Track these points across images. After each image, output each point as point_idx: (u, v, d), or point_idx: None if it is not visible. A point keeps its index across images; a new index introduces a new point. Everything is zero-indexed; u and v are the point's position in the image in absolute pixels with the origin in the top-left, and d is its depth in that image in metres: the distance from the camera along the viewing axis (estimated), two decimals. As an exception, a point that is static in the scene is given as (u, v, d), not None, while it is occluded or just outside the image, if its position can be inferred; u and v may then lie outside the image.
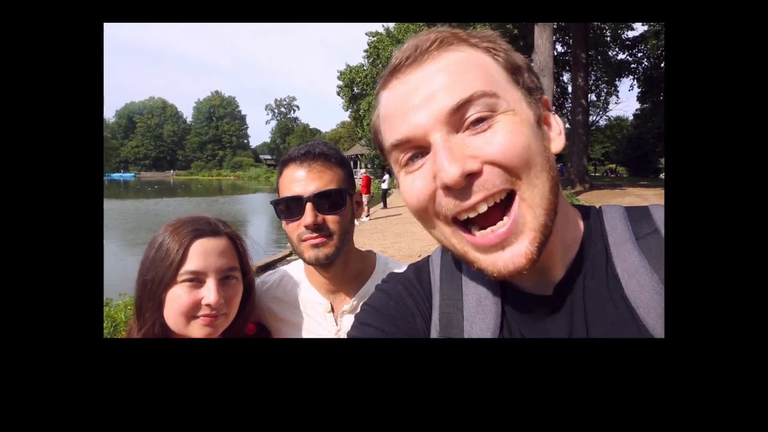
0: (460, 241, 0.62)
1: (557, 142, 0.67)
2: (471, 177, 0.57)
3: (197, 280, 1.11)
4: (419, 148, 0.61)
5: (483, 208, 0.59)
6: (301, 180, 1.25)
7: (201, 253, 1.12)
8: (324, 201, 1.24)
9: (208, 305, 1.10)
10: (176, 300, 1.10)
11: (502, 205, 0.60)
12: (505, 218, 0.59)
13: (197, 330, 1.11)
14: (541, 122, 0.64)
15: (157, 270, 1.11)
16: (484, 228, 0.60)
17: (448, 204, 0.59)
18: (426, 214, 0.63)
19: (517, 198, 0.59)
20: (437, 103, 0.58)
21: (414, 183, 0.62)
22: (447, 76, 0.59)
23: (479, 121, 0.59)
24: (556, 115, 0.69)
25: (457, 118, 0.59)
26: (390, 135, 0.63)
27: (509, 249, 0.59)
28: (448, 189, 0.58)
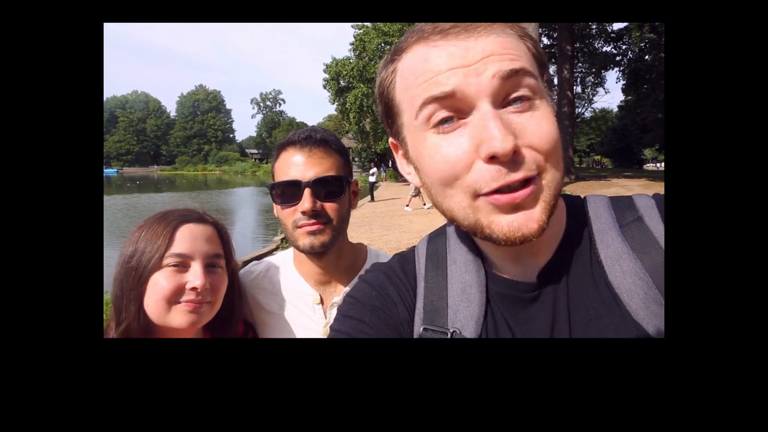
0: (476, 208, 0.60)
1: None
2: (514, 153, 0.57)
3: (182, 264, 1.08)
4: (456, 111, 0.59)
5: (516, 186, 0.58)
6: (300, 164, 1.21)
7: (188, 237, 1.09)
8: (323, 187, 1.20)
9: (193, 289, 1.06)
10: (159, 284, 1.05)
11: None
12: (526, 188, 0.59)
13: (180, 317, 1.06)
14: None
15: (142, 256, 1.07)
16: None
17: (490, 176, 0.57)
18: (454, 182, 0.60)
19: (538, 177, 0.59)
20: (491, 68, 0.57)
21: (449, 149, 0.59)
22: (501, 48, 0.59)
23: (519, 100, 0.59)
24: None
25: (504, 91, 0.58)
26: (429, 89, 0.60)
27: (524, 212, 0.59)
28: (493, 160, 0.57)
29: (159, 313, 1.07)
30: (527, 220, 0.59)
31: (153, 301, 1.06)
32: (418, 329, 0.70)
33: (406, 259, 0.81)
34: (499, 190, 0.58)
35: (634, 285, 0.62)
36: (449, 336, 0.67)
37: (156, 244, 1.07)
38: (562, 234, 0.70)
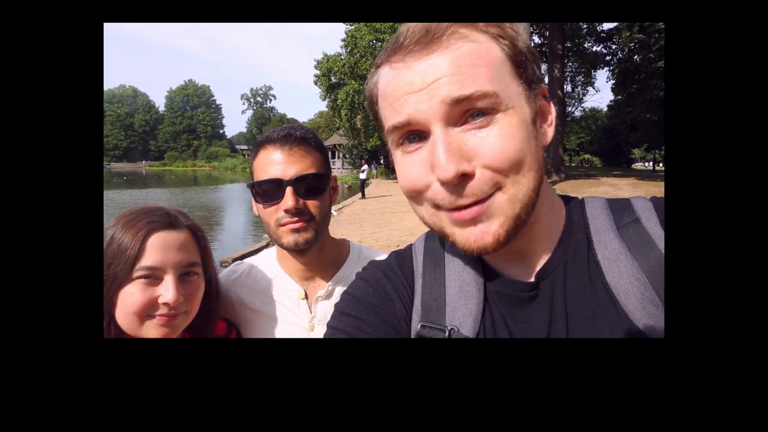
0: (440, 218, 0.64)
1: (548, 134, 0.68)
2: (464, 177, 0.59)
3: (154, 276, 1.02)
4: (418, 132, 0.62)
5: (473, 206, 0.61)
6: (280, 162, 1.21)
7: (159, 247, 1.02)
8: (304, 185, 1.21)
9: (165, 304, 1.01)
10: (129, 299, 0.99)
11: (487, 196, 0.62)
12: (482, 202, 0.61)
13: (153, 330, 1.02)
14: (536, 118, 0.65)
15: (109, 267, 0.99)
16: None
17: (443, 197, 0.61)
18: (418, 196, 0.65)
19: (499, 193, 0.61)
20: (440, 93, 0.59)
21: (412, 168, 0.63)
22: (453, 68, 0.59)
23: (479, 114, 0.60)
24: (551, 104, 0.70)
25: (457, 112, 0.59)
26: (391, 116, 0.64)
27: (480, 226, 0.62)
28: (443, 185, 0.60)
29: (131, 327, 1.02)
30: (483, 234, 0.62)
31: (123, 315, 1.01)
32: (415, 326, 0.71)
33: (403, 256, 0.81)
34: (454, 208, 0.62)
35: (631, 286, 0.63)
36: (447, 333, 0.67)
37: (124, 256, 1.00)
38: (560, 234, 0.71)
